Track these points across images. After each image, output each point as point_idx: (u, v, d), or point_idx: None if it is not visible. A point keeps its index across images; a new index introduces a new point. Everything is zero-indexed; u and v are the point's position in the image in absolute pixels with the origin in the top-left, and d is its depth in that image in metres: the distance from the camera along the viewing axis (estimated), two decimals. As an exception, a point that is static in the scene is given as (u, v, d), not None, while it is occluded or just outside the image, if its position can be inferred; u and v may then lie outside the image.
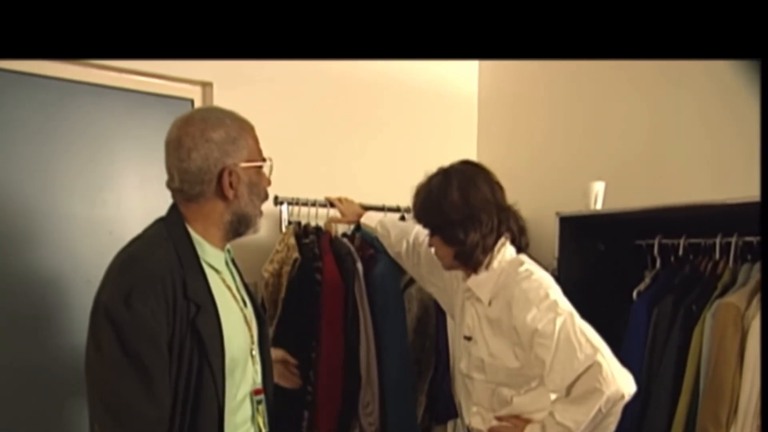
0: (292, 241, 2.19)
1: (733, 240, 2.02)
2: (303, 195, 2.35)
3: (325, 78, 2.65)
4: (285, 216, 2.34)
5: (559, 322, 1.47)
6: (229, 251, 1.43)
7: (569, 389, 1.46)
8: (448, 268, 1.72)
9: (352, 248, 2.21)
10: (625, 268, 2.34)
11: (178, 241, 1.28)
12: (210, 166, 1.28)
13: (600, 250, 2.39)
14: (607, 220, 2.32)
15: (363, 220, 2.22)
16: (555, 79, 2.85)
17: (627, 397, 1.44)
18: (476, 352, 1.66)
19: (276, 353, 1.66)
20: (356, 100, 2.77)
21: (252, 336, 1.39)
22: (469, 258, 1.64)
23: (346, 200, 2.35)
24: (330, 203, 2.35)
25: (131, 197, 2.25)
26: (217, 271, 1.34)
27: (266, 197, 1.42)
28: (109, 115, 2.20)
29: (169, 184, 1.33)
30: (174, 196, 1.34)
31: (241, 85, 2.41)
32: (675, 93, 2.36)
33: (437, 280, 1.93)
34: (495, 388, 1.63)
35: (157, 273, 1.20)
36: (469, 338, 1.70)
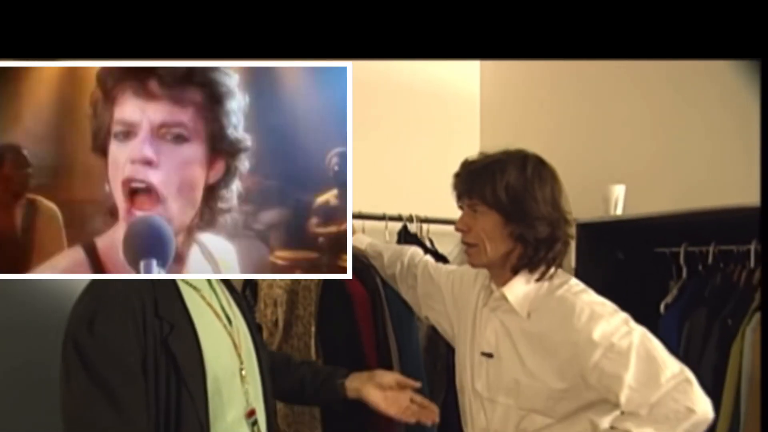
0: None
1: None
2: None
3: None
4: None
5: (636, 336, 1.34)
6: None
7: (651, 408, 1.31)
8: (481, 262, 1.50)
9: (366, 262, 2.05)
10: (646, 278, 2.21)
11: None
12: None
13: (619, 258, 2.26)
14: (627, 227, 2.20)
15: (353, 242, 2.06)
16: (561, 78, 2.77)
17: (710, 422, 1.32)
18: (505, 371, 1.48)
19: (387, 377, 1.53)
20: (355, 101, 2.62)
21: (240, 355, 1.27)
22: (532, 261, 1.45)
23: None
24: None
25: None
26: (195, 288, 1.24)
27: None
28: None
29: None
30: None
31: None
32: (700, 85, 2.26)
33: (435, 302, 1.76)
34: (525, 415, 1.45)
35: (121, 292, 1.11)
36: (489, 355, 1.51)
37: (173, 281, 1.19)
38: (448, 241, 2.64)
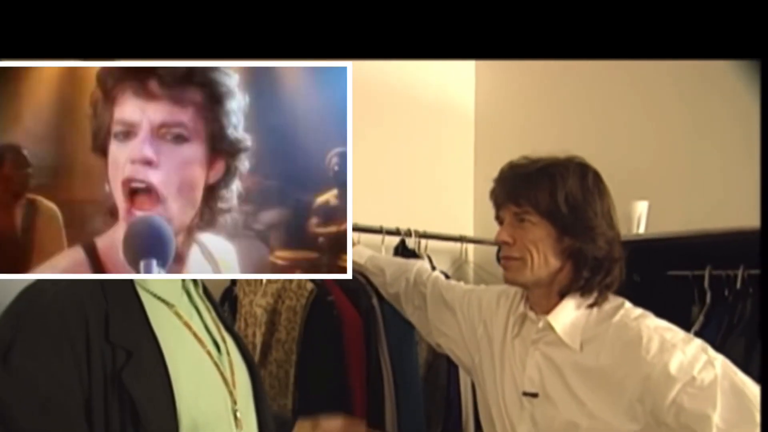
0: (290, 268, 1.99)
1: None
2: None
3: None
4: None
5: (718, 366, 1.16)
6: (194, 280, 1.12)
7: None
8: (523, 280, 1.32)
9: (363, 280, 1.97)
10: (665, 303, 2.10)
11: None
12: None
13: (635, 281, 2.16)
14: (643, 247, 2.04)
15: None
16: (559, 88, 2.77)
17: None
18: (557, 413, 1.28)
19: (332, 424, 1.24)
20: (365, 104, 2.59)
21: (232, 392, 1.05)
22: (588, 284, 1.29)
23: None
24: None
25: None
26: (167, 303, 1.03)
27: None
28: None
29: None
30: None
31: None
32: (717, 102, 2.23)
33: (449, 327, 1.56)
34: None
35: (53, 309, 0.89)
36: (533, 395, 1.31)
37: (134, 292, 0.98)
38: (444, 259, 2.62)
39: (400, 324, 1.88)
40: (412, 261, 1.79)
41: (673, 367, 1.16)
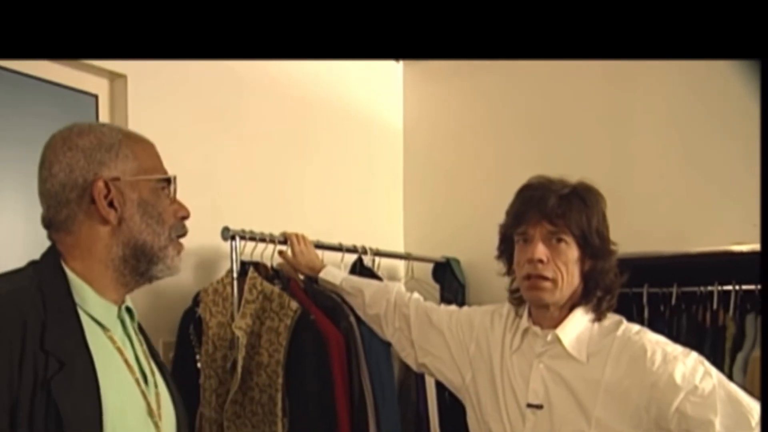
0: (269, 287, 1.73)
1: (732, 288, 1.98)
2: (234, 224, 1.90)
3: (259, 89, 2.28)
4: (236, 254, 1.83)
5: (714, 376, 1.25)
6: (130, 311, 1.10)
7: None
8: (552, 300, 1.35)
9: (338, 299, 1.82)
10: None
11: (45, 283, 0.97)
12: (76, 178, 1.01)
13: None
14: None
15: (322, 275, 1.83)
16: (489, 103, 2.78)
17: None
18: (563, 423, 1.33)
19: None
20: (293, 118, 2.42)
21: (158, 423, 1.04)
22: (600, 302, 1.35)
23: (304, 240, 1.93)
24: (285, 240, 1.92)
25: (11, 218, 1.66)
26: (102, 327, 1.01)
27: (180, 229, 1.11)
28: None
29: (42, 219, 1.06)
30: (48, 234, 1.06)
31: (165, 80, 1.91)
32: (684, 111, 2.33)
33: (435, 347, 1.56)
34: None
35: None
36: (538, 407, 1.35)
37: (74, 309, 0.97)
38: (389, 277, 2.51)
39: (377, 342, 1.82)
40: (390, 283, 1.77)
41: (677, 376, 1.24)
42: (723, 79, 2.12)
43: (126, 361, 1.02)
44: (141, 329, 1.14)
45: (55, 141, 1.03)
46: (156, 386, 1.07)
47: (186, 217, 1.12)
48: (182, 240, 1.11)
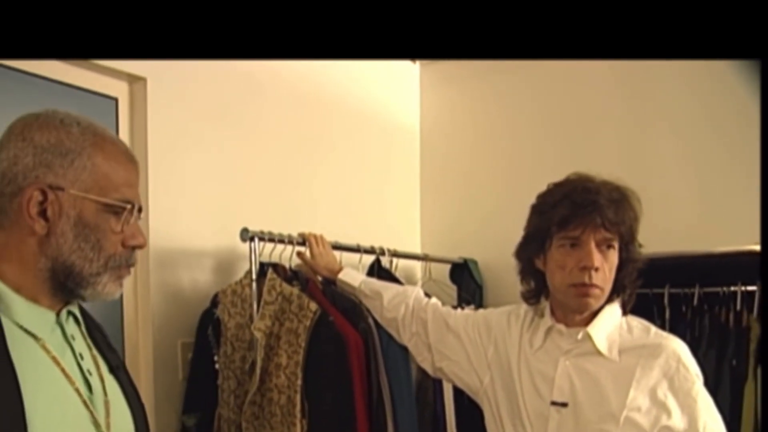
0: (288, 288, 1.73)
1: (757, 288, 1.95)
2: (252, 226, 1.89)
3: (277, 92, 2.28)
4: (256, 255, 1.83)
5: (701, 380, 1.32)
6: (74, 316, 1.00)
7: None
8: (598, 306, 1.35)
9: (356, 300, 1.81)
10: None
11: None
12: (16, 173, 0.91)
13: None
14: None
15: (341, 277, 1.82)
16: (505, 105, 2.77)
17: None
18: (591, 418, 1.32)
19: None
20: (311, 120, 2.42)
21: None
22: (627, 303, 1.38)
23: (322, 241, 1.93)
24: (303, 241, 1.92)
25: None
26: (33, 336, 0.92)
27: (128, 259, 0.99)
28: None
29: None
30: None
31: (184, 83, 1.92)
32: (690, 115, 2.32)
33: (453, 351, 1.56)
34: None
35: None
36: (563, 404, 1.34)
37: None
38: (407, 278, 2.51)
39: (395, 344, 1.80)
40: (409, 288, 1.77)
41: (693, 375, 1.29)
42: (746, 78, 2.09)
43: (63, 371, 0.93)
44: (93, 335, 1.04)
45: (16, 124, 0.95)
46: (105, 394, 0.98)
47: (139, 246, 1.01)
48: (135, 261, 1.01)
